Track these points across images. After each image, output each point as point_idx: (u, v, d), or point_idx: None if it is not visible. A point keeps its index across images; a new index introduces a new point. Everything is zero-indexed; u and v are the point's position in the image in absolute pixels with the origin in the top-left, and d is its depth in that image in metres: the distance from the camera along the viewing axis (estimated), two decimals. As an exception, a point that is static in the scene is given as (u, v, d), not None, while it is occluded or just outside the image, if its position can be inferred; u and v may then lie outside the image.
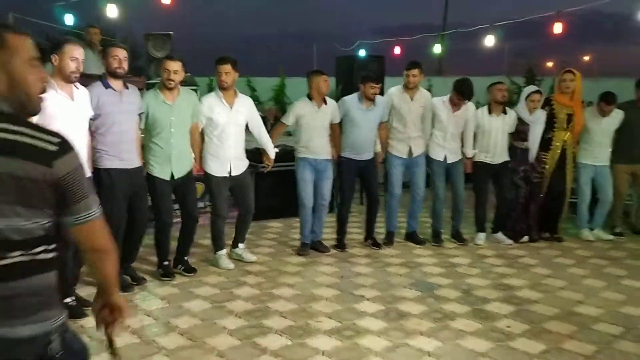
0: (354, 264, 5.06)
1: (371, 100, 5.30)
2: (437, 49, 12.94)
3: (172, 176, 4.41)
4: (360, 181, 5.72)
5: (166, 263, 4.58)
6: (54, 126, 3.27)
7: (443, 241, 5.77)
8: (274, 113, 11.31)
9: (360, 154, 5.38)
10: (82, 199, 1.46)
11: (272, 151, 5.10)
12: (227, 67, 4.64)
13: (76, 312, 3.56)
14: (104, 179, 3.98)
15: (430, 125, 5.61)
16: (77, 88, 3.69)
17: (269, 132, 5.18)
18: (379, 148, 5.57)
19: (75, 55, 3.53)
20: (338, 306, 4.03)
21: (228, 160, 4.74)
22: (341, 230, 5.61)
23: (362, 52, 15.38)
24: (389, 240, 5.73)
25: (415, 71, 5.42)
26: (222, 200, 4.85)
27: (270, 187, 6.66)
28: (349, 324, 3.71)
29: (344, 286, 4.46)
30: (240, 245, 5.12)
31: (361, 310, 3.96)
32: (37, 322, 1.43)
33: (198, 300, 4.11)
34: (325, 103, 5.26)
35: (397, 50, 14.27)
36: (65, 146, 1.43)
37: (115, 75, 4.01)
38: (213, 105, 4.66)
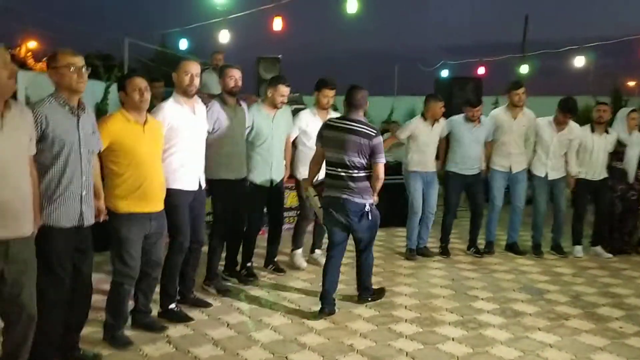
0: (461, 269, 5.47)
1: (474, 122, 5.74)
2: (524, 69, 13.10)
3: (272, 183, 4.83)
4: (466, 194, 6.12)
5: (249, 264, 4.93)
6: (179, 137, 3.93)
7: (543, 253, 6.05)
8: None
9: (466, 170, 5.82)
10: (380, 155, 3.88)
11: None
12: (333, 92, 5.12)
13: (178, 315, 3.87)
14: (218, 189, 4.37)
15: (532, 143, 5.96)
16: (198, 103, 4.00)
17: None
18: (484, 165, 5.99)
19: (189, 71, 3.78)
20: (456, 303, 4.46)
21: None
22: (445, 238, 6.04)
23: (444, 73, 15.77)
24: (489, 249, 6.08)
25: (521, 90, 5.82)
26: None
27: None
28: (470, 318, 4.13)
29: (456, 287, 4.88)
30: (317, 251, 5.48)
31: (478, 308, 4.37)
32: (363, 199, 3.87)
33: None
34: (438, 122, 5.77)
35: (481, 70, 14.55)
36: (377, 132, 3.82)
37: (232, 94, 4.40)
38: (309, 120, 5.16)
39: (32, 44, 27.18)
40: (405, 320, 4.05)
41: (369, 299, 4.40)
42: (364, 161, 4.02)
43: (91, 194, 3.06)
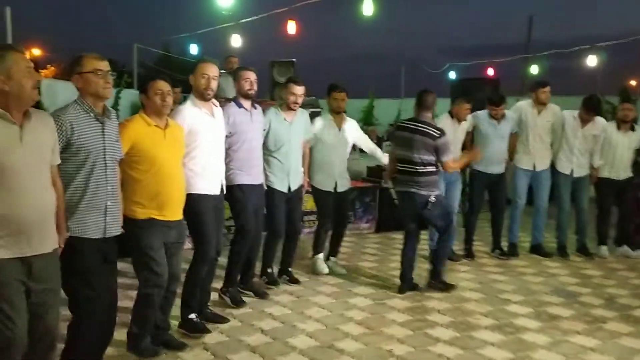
0: (488, 272, 5.41)
1: (498, 119, 5.69)
2: (534, 69, 13.06)
3: (289, 188, 4.68)
4: (488, 193, 6.04)
5: (270, 270, 4.81)
6: (199, 141, 3.79)
7: (569, 254, 5.98)
8: (375, 133, 11.84)
9: (491, 168, 5.75)
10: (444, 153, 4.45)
11: (385, 159, 5.45)
12: (344, 95, 5.07)
13: (197, 327, 3.71)
14: (237, 195, 4.18)
15: (558, 139, 5.90)
16: (216, 106, 3.88)
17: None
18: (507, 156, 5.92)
19: (205, 73, 3.67)
20: (489, 307, 4.40)
21: (334, 177, 5.11)
22: (469, 239, 5.97)
23: (452, 75, 15.73)
24: (513, 251, 6.00)
25: (548, 89, 5.77)
26: (329, 213, 5.15)
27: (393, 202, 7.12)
28: (506, 322, 4.07)
29: (487, 290, 4.82)
30: (332, 259, 5.37)
31: (512, 311, 4.30)
32: (430, 191, 4.49)
33: (359, 297, 4.60)
34: (459, 122, 5.72)
35: (490, 71, 14.52)
36: (442, 133, 4.40)
37: (247, 96, 4.23)
38: (324, 127, 5.08)
39: (36, 52, 27.26)
40: (441, 325, 3.99)
41: (439, 288, 4.71)
42: (429, 158, 4.52)
43: (117, 204, 2.92)
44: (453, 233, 4.86)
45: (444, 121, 5.70)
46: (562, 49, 13.21)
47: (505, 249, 5.98)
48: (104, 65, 2.81)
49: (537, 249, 6.06)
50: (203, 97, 3.72)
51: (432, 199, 4.54)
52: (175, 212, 3.32)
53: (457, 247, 5.99)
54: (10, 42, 9.24)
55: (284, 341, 3.67)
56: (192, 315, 3.74)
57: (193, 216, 3.55)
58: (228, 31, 9.54)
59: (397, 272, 5.30)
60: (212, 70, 3.71)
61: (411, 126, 4.63)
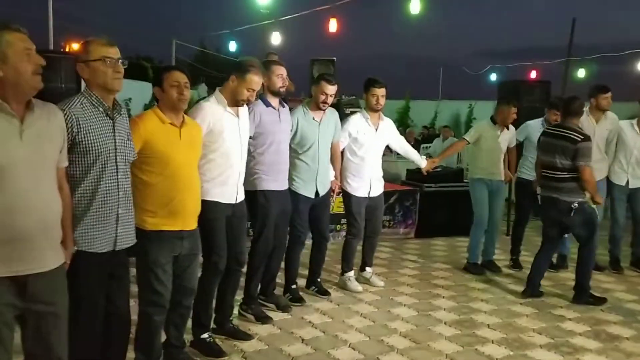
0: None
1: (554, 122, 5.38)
2: (581, 73, 12.61)
3: (317, 193, 4.29)
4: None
5: (294, 287, 4.39)
6: (219, 142, 3.27)
7: (623, 269, 5.64)
8: (413, 135, 11.62)
9: None
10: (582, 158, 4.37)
11: (423, 162, 5.20)
12: (384, 91, 4.65)
13: (211, 349, 3.35)
14: (260, 201, 3.79)
15: (614, 149, 5.58)
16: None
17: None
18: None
19: (257, 84, 3.43)
20: (542, 323, 4.13)
21: (368, 181, 4.72)
22: (516, 250, 5.69)
23: (493, 77, 15.34)
24: (563, 263, 5.69)
25: (610, 94, 5.45)
26: (361, 220, 4.73)
27: (436, 207, 6.90)
28: (562, 341, 3.80)
29: (538, 305, 4.54)
30: (368, 269, 4.98)
31: (568, 329, 4.03)
32: (573, 197, 4.45)
33: (402, 307, 4.38)
34: (507, 128, 5.43)
35: (533, 74, 14.10)
36: (585, 137, 4.40)
37: (278, 94, 3.89)
38: (359, 126, 4.66)
39: (75, 46, 27.77)
40: (492, 342, 3.74)
41: (587, 302, 4.57)
42: (569, 164, 4.46)
43: (130, 212, 2.56)
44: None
45: (484, 126, 5.43)
46: (609, 53, 12.73)
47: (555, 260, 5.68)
48: (114, 52, 2.42)
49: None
50: (238, 103, 3.41)
51: (575, 205, 4.47)
52: (189, 222, 2.95)
53: (499, 256, 5.73)
54: (51, 35, 9.29)
55: (325, 352, 3.49)
56: (205, 335, 3.39)
57: (204, 225, 3.15)
58: (267, 29, 9.42)
59: (440, 281, 5.11)
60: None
61: (555, 132, 4.63)
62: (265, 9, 11.42)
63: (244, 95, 3.37)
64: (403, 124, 16.16)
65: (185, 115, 2.97)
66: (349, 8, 8.87)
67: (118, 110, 2.50)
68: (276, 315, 4.03)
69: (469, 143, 5.56)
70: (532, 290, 4.71)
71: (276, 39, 9.25)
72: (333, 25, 8.50)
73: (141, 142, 2.73)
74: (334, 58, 8.32)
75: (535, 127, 5.48)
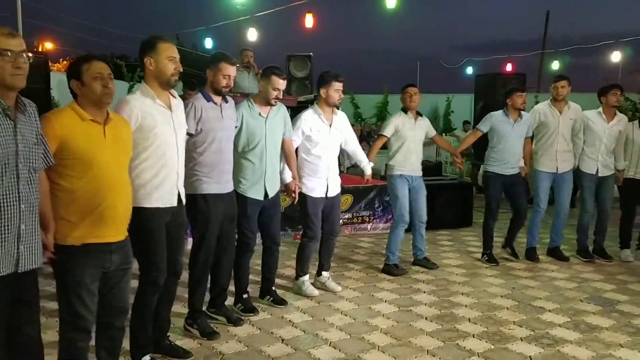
0: (518, 277, 5.13)
1: (519, 110, 5.39)
2: (555, 65, 12.73)
3: (266, 195, 4.02)
4: (506, 195, 5.72)
5: (246, 296, 4.11)
6: (151, 140, 2.95)
7: (594, 257, 5.71)
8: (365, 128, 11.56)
9: (507, 168, 5.46)
10: None
11: (368, 169, 4.93)
12: (342, 85, 4.42)
13: None
14: (200, 206, 3.50)
15: (581, 138, 5.63)
16: (174, 96, 3.17)
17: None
18: (522, 163, 5.63)
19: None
20: (523, 315, 4.13)
21: (325, 180, 4.47)
22: (489, 244, 5.67)
23: (469, 70, 15.42)
24: (532, 255, 5.71)
25: (564, 82, 5.50)
26: (318, 222, 4.49)
27: (444, 200, 7.06)
28: (542, 333, 3.80)
29: (518, 297, 4.55)
30: (324, 274, 4.72)
31: (548, 321, 4.03)
32: None
33: (383, 303, 4.36)
34: (421, 116, 5.34)
35: (508, 67, 14.20)
36: None
37: (220, 93, 3.59)
38: (312, 123, 4.39)
39: (48, 45, 27.21)
40: (473, 336, 3.73)
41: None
42: None
43: (36, 228, 2.23)
44: None
45: (498, 117, 5.42)
46: (582, 45, 12.86)
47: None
48: (15, 45, 2.11)
49: (554, 252, 5.79)
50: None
51: None
52: (118, 231, 2.60)
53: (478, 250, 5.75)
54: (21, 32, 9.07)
55: (306, 352, 3.43)
56: (147, 357, 3.10)
57: (139, 235, 2.84)
58: (243, 25, 9.31)
59: (421, 276, 5.10)
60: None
61: None
62: (241, 5, 11.32)
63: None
64: (382, 119, 16.16)
65: (109, 111, 2.62)
66: (325, 3, 8.80)
67: (22, 110, 2.19)
68: (254, 317, 3.96)
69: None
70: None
71: (252, 35, 9.14)
72: (309, 21, 8.43)
73: (57, 142, 2.41)
74: (311, 54, 8.27)
75: (498, 117, 5.48)
